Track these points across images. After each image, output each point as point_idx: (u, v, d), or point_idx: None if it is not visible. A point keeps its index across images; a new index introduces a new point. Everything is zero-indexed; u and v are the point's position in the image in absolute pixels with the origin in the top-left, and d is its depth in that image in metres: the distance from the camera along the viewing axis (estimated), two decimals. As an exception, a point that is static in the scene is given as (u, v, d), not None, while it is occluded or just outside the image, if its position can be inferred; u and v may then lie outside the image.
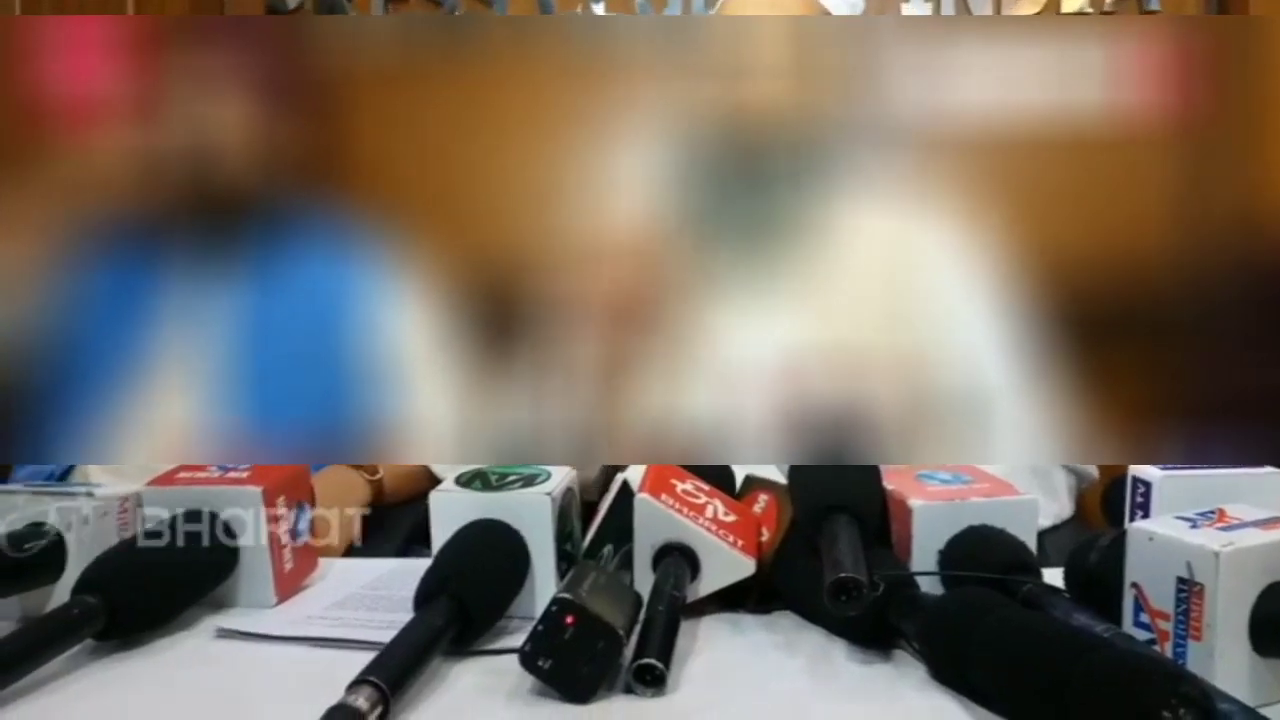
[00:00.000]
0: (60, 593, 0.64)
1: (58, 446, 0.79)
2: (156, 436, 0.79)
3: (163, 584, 0.63)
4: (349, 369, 0.80)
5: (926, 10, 2.01)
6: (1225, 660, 0.50)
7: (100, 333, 0.78)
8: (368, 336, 0.80)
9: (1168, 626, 0.52)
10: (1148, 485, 0.66)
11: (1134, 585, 0.54)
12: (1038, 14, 2.00)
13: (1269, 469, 0.66)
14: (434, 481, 1.15)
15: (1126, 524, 0.57)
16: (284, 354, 0.80)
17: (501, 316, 0.79)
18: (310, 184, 0.80)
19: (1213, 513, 0.55)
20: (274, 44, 0.80)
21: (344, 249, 0.80)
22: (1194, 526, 0.53)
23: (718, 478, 0.74)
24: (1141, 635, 0.53)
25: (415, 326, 0.80)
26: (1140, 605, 0.54)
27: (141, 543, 0.66)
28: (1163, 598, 0.52)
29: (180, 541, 0.66)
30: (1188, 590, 0.51)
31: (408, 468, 1.14)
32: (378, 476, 1.10)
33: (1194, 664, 0.50)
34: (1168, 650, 0.52)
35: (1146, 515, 0.65)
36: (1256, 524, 0.52)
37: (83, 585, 0.60)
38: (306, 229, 0.79)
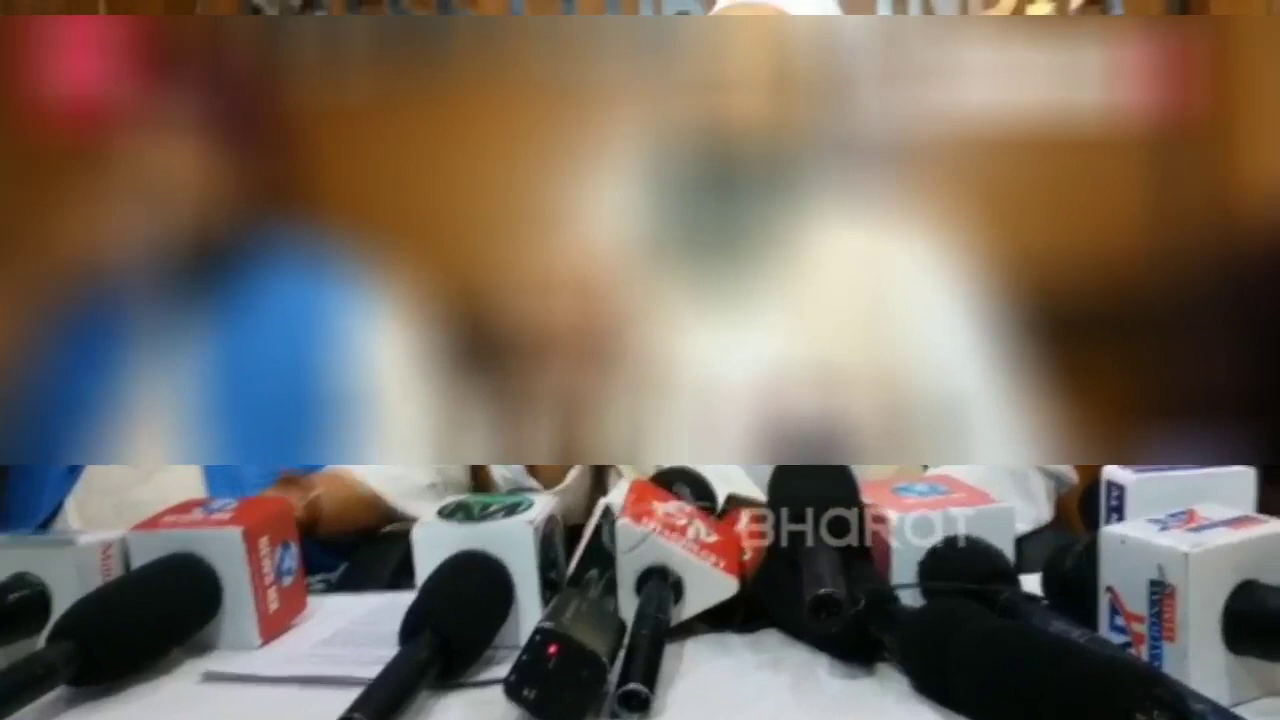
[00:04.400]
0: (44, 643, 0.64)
1: (39, 447, 0.80)
2: (138, 439, 0.79)
3: (139, 628, 0.63)
4: (326, 384, 0.80)
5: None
6: (1200, 660, 0.50)
7: (81, 353, 0.79)
8: (344, 354, 0.81)
9: (1142, 629, 0.53)
10: (1121, 488, 0.66)
11: (1109, 589, 0.55)
12: (1008, 17, 2.00)
13: (1239, 467, 0.67)
14: (384, 512, 1.14)
15: (1101, 527, 0.57)
16: (262, 372, 0.80)
17: (478, 336, 0.79)
18: (285, 209, 0.80)
19: (1184, 513, 0.56)
20: (244, 51, 0.80)
21: (319, 271, 0.80)
22: (1164, 528, 0.53)
23: (700, 495, 0.75)
24: (1117, 639, 0.54)
25: (391, 344, 0.80)
26: (1115, 609, 0.54)
27: (121, 587, 0.66)
28: (1136, 600, 0.53)
29: (161, 584, 0.66)
30: (1160, 592, 0.52)
31: (350, 495, 1.13)
32: (315, 493, 1.08)
33: (1169, 666, 0.51)
34: (1143, 653, 0.53)
35: (1121, 518, 0.66)
36: (1226, 523, 0.53)
37: (57, 631, 0.60)
38: (283, 251, 0.79)
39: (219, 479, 1.09)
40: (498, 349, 0.79)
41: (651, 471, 0.84)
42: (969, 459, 0.90)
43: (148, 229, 0.80)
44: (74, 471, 1.14)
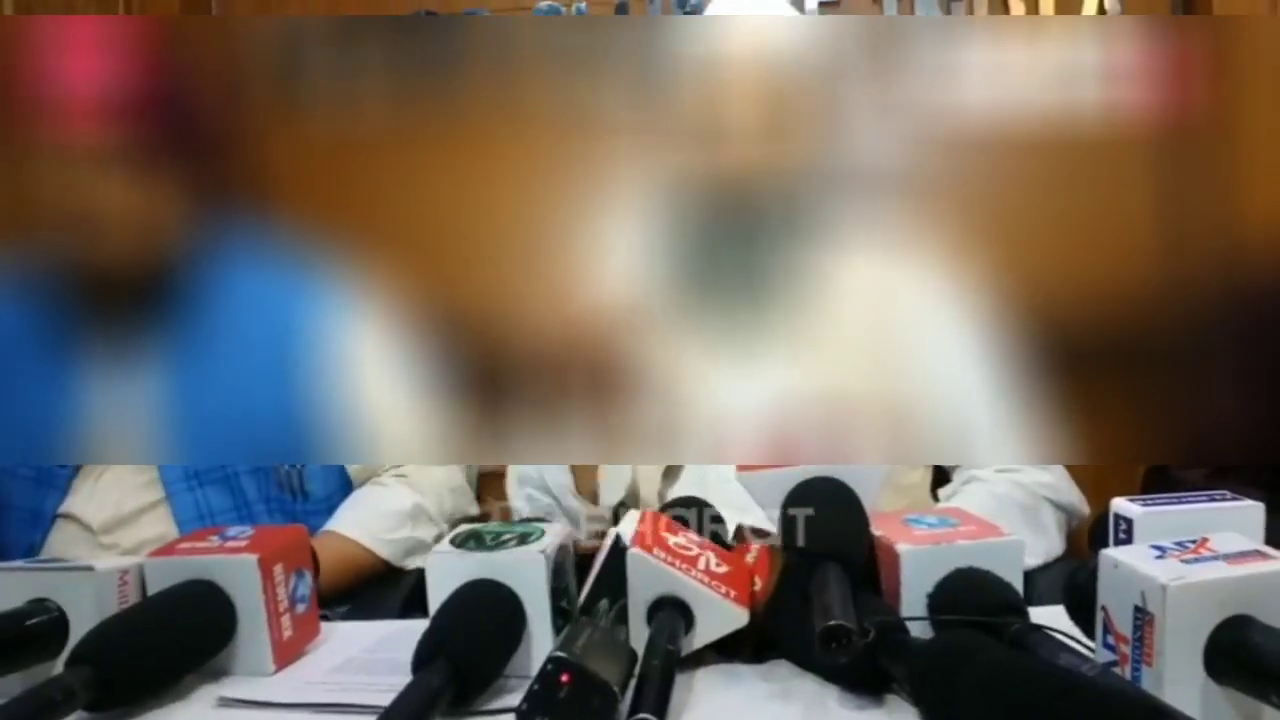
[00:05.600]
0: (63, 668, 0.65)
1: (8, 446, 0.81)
2: (112, 438, 0.80)
3: (156, 653, 0.64)
4: (308, 388, 0.81)
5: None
6: (1175, 687, 0.52)
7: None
8: (326, 358, 0.82)
9: (1127, 650, 0.54)
10: (1129, 521, 0.67)
11: (1103, 608, 0.57)
12: (1005, 17, 1.96)
13: (1248, 501, 0.67)
14: (382, 572, 1.13)
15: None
16: (241, 374, 0.81)
17: (477, 356, 0.80)
18: (279, 217, 0.81)
19: (1193, 542, 0.57)
20: (252, 52, 0.80)
21: (306, 278, 0.81)
22: (1161, 556, 0.55)
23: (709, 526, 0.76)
24: (1107, 655, 0.56)
25: (376, 352, 0.81)
26: (1107, 627, 0.56)
27: (138, 613, 0.67)
28: (1124, 623, 0.55)
29: (177, 611, 0.67)
30: (1142, 618, 0.53)
31: (342, 558, 1.13)
32: None
33: (1147, 688, 0.52)
34: (1127, 672, 0.54)
35: (1128, 551, 0.66)
36: (1228, 557, 0.54)
37: (75, 656, 0.61)
38: (268, 256, 0.80)
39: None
40: (499, 369, 0.79)
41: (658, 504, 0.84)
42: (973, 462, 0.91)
43: (129, 228, 0.82)
44: (31, 551, 1.13)
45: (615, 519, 0.93)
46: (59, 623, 0.67)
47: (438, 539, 1.16)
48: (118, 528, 1.12)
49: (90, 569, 0.68)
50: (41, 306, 0.80)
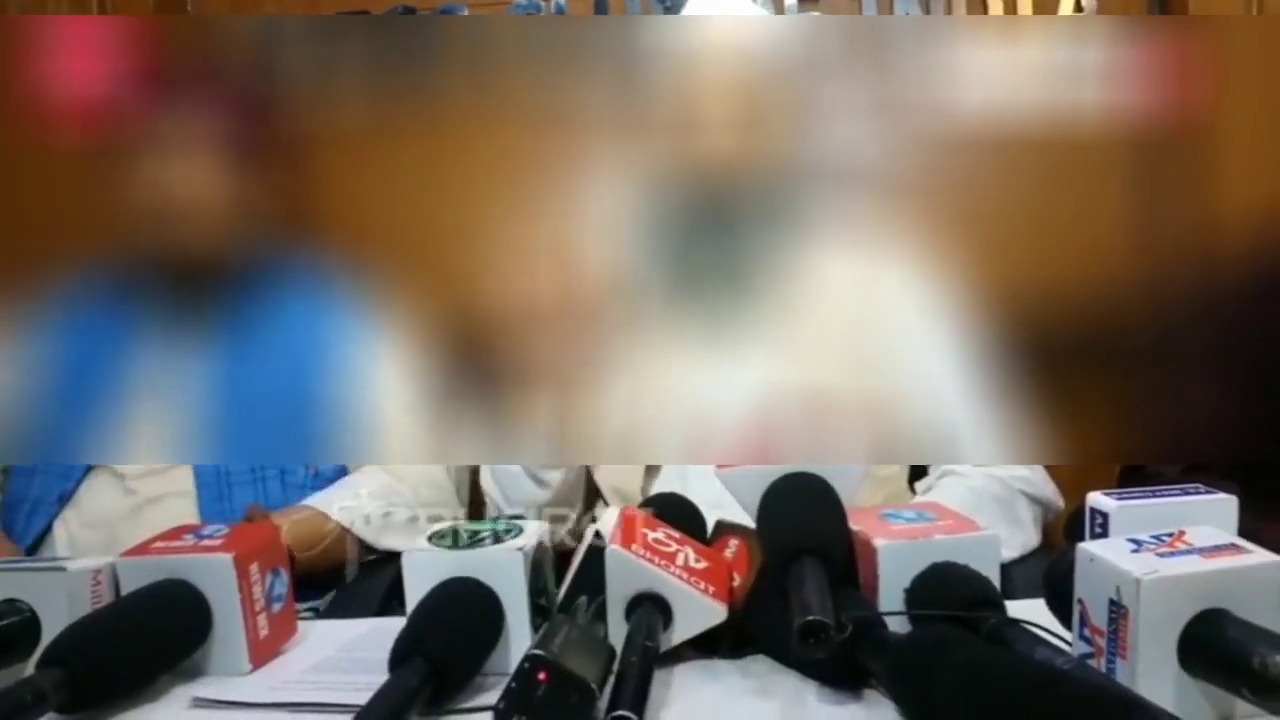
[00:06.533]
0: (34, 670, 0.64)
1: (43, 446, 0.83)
2: (141, 439, 0.81)
3: (129, 654, 0.63)
4: (325, 396, 0.81)
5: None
6: (1149, 680, 0.52)
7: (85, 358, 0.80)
8: (343, 368, 0.82)
9: (1102, 643, 0.55)
10: (1105, 515, 0.67)
11: (1079, 601, 0.57)
12: (985, 17, 1.95)
13: (1221, 495, 0.68)
14: (355, 548, 1.14)
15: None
16: (265, 384, 0.81)
17: (471, 356, 0.80)
18: (286, 226, 0.81)
19: (1169, 535, 0.57)
20: (242, 53, 0.80)
21: (322, 289, 0.81)
22: (1137, 550, 0.55)
23: (688, 521, 0.76)
24: (1084, 647, 0.56)
25: (387, 359, 0.81)
26: (1083, 620, 0.56)
27: (110, 613, 0.66)
28: (1099, 616, 0.55)
29: (151, 611, 0.66)
30: (1117, 612, 0.53)
31: (315, 531, 1.13)
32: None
33: (1121, 681, 0.53)
34: (1102, 664, 0.55)
35: (1103, 544, 0.67)
36: (1203, 550, 0.54)
37: (47, 658, 0.60)
38: (284, 266, 0.81)
39: (212, 514, 1.10)
40: (489, 368, 0.80)
41: (640, 499, 0.84)
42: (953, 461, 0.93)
43: (151, 235, 0.81)
44: (62, 500, 1.15)
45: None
46: (30, 623, 0.66)
47: (411, 521, 1.17)
48: (146, 476, 1.15)
49: (62, 569, 0.67)
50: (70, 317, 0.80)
